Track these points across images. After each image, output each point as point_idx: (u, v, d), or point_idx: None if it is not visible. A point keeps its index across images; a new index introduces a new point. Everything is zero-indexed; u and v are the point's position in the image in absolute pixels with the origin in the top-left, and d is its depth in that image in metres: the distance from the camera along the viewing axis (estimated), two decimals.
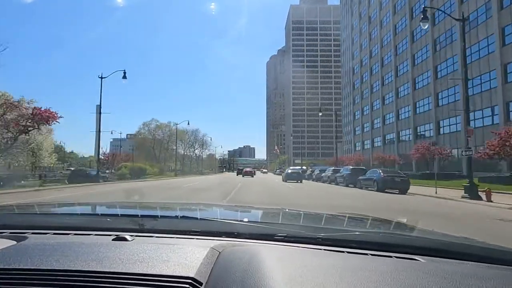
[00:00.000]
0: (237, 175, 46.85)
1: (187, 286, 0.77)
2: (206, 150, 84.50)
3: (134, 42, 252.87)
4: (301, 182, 27.29)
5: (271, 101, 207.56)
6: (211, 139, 77.38)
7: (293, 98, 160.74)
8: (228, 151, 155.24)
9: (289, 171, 30.12)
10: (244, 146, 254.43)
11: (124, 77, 29.19)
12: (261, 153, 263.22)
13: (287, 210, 2.02)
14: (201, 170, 74.59)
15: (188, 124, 58.26)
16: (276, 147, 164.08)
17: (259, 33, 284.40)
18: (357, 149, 67.35)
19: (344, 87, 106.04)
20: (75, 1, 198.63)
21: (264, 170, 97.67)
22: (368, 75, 63.44)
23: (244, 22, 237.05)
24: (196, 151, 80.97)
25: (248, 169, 49.39)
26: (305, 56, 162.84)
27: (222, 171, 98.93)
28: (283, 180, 28.37)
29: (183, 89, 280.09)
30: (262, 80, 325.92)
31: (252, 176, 44.12)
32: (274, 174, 71.01)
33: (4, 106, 18.21)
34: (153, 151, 64.46)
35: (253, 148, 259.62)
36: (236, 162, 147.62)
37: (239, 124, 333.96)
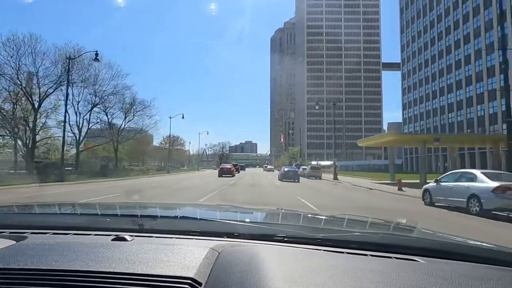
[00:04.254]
0: (219, 176, 34.39)
1: (187, 286, 0.79)
2: (151, 123, 45.03)
3: (135, 42, 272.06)
4: (298, 181, 28.45)
5: (276, 84, 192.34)
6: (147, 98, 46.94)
7: (308, 70, 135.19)
8: (229, 146, 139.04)
9: (286, 169, 31.65)
10: (245, 142, 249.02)
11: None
12: (264, 150, 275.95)
13: (286, 210, 2.12)
14: (120, 166, 41.12)
15: None
16: (282, 136, 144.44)
17: (260, 30, 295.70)
18: None
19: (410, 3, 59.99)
20: (75, 1, 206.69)
21: (269, 167, 77.95)
22: None
23: (245, 19, 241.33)
24: (117, 119, 42.17)
25: (227, 166, 38.97)
26: (324, 21, 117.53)
27: (196, 169, 77.39)
28: (279, 179, 30.02)
29: (182, 87, 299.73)
30: (264, 74, 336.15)
31: (233, 175, 35.58)
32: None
33: None
34: None
35: (255, 143, 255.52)
36: (231, 157, 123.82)
37: (241, 121, 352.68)
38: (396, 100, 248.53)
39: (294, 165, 50.53)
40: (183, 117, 48.68)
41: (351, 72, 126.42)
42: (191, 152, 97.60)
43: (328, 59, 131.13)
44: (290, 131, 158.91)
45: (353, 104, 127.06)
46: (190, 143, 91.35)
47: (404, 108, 70.70)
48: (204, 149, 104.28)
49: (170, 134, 57.72)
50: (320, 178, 35.75)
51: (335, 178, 33.10)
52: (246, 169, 77.79)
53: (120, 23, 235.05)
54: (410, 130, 66.11)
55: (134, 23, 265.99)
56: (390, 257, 1.05)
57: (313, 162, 67.96)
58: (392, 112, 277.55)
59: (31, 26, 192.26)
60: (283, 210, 2.08)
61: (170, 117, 49.25)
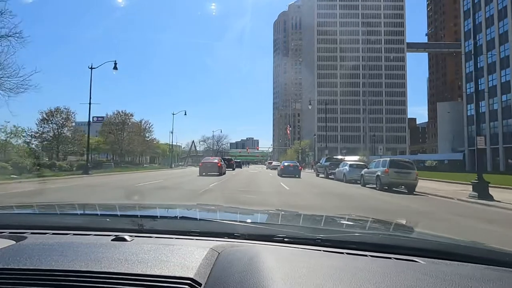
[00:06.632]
0: (199, 174, 27.11)
1: (186, 286, 0.81)
2: None
3: (135, 41, 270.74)
4: (298, 177, 27.18)
5: (280, 73, 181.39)
6: None
7: (319, 50, 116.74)
8: (230, 143, 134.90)
9: (285, 163, 30.03)
10: (247, 138, 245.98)
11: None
12: (267, 146, 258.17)
13: (286, 211, 2.17)
14: None
15: None
16: (288, 127, 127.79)
17: (262, 27, 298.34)
18: None
19: None
20: (75, 0, 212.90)
21: (275, 163, 62.39)
22: None
23: (245, 19, 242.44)
24: None
25: (212, 160, 30.12)
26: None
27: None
28: (278, 175, 29.09)
29: (183, 87, 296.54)
30: (265, 72, 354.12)
31: (221, 174, 27.88)
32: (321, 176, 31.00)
33: None
34: None
35: (257, 140, 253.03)
36: (229, 153, 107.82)
37: (241, 120, 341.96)
38: (420, 87, 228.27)
39: (324, 159, 29.54)
40: (115, 67, 27.69)
41: (370, 52, 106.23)
42: (183, 147, 78.03)
43: (342, 37, 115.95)
44: (298, 125, 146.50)
45: (373, 90, 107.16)
46: (172, 133, 70.48)
47: (467, 80, 49.71)
48: (193, 142, 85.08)
49: (90, 100, 27.25)
50: (413, 192, 15.35)
51: (486, 197, 11.50)
52: (245, 167, 57.95)
53: (120, 23, 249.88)
54: (482, 111, 44.95)
55: (134, 22, 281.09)
56: (390, 258, 1.07)
57: (339, 157, 47.13)
58: (417, 105, 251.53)
59: (32, 24, 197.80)
60: (283, 211, 2.09)
61: (91, 68, 26.32)
